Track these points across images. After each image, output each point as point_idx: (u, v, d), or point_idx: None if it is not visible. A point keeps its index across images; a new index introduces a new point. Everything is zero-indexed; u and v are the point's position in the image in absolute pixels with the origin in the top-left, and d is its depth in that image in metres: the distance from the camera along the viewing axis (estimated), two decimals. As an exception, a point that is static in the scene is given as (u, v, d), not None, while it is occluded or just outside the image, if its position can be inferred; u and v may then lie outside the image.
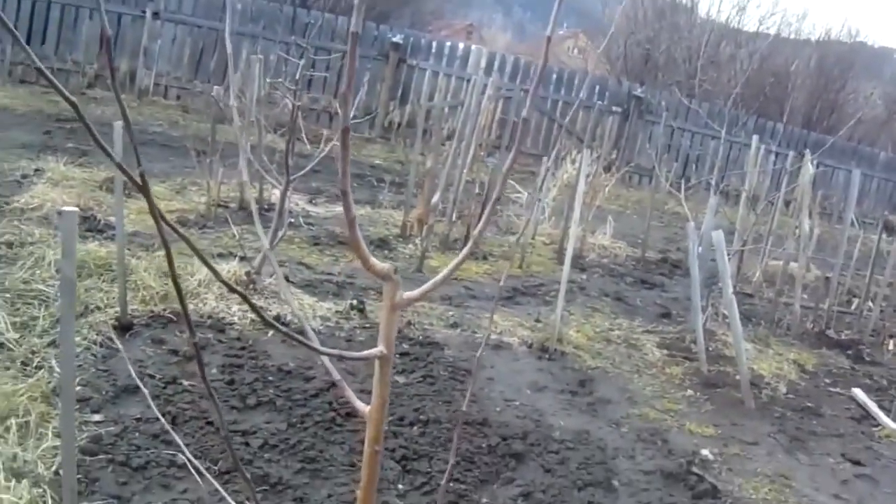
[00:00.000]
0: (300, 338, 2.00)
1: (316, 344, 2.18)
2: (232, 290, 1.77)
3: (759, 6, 38.85)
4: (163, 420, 2.95)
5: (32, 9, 20.70)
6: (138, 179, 1.49)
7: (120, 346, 5.62)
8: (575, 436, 5.95)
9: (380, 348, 2.13)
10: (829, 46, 35.02)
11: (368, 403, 2.29)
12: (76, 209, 3.34)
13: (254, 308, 1.80)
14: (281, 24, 21.07)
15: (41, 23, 20.83)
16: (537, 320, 8.31)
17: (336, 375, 2.40)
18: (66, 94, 1.44)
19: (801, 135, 25.04)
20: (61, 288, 3.24)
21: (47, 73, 1.52)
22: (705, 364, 7.91)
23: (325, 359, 2.35)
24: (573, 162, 13.90)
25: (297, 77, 7.65)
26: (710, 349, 8.36)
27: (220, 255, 8.09)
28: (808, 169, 10.64)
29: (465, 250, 2.15)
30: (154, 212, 1.51)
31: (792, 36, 34.25)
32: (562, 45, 66.66)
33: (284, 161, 7.09)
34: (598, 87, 23.49)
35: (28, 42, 20.12)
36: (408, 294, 2.14)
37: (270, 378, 5.77)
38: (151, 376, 5.45)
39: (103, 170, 10.68)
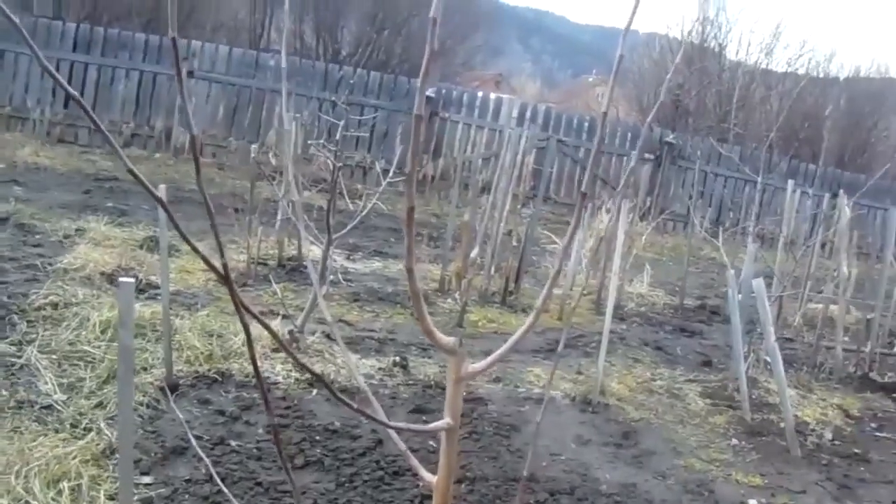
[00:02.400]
0: (368, 412, 2.03)
1: (381, 415, 2.21)
2: (311, 373, 1.80)
3: (786, 47, 38.79)
4: (219, 481, 2.96)
5: (70, 69, 21.02)
6: (221, 269, 1.53)
7: (174, 408, 5.66)
8: (622, 489, 5.93)
9: (446, 420, 2.15)
10: (858, 84, 34.99)
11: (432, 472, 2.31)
12: (132, 280, 3.38)
13: (328, 387, 1.83)
14: (315, 81, 21.26)
15: (79, 83, 21.10)
16: (579, 372, 8.30)
17: (402, 447, 2.41)
18: (130, 165, 1.48)
19: (835, 175, 24.99)
20: (120, 356, 3.27)
21: (113, 141, 1.57)
22: (749, 412, 7.86)
23: (392, 431, 2.37)
24: (608, 211, 13.91)
25: (338, 137, 7.72)
26: (754, 397, 8.30)
27: (262, 313, 8.09)
28: (846, 212, 10.60)
29: (530, 319, 2.18)
30: (236, 300, 1.55)
31: (821, 75, 34.18)
32: (591, 92, 66.82)
33: (326, 220, 7.15)
34: (629, 135, 23.53)
35: (66, 103, 20.53)
36: (473, 366, 2.17)
37: (317, 437, 5.79)
38: (199, 437, 5.48)
39: (142, 229, 10.80)
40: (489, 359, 2.24)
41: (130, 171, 1.49)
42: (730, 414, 7.93)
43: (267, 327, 1.76)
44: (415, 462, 2.29)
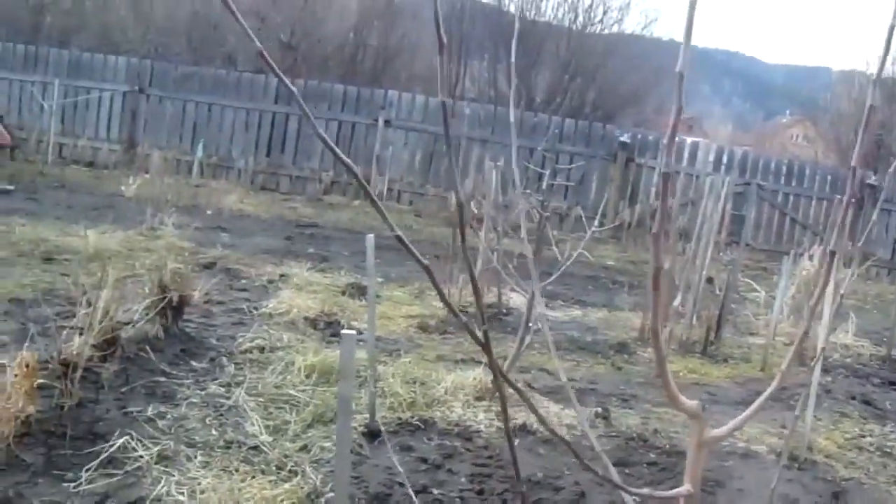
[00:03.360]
0: (616, 481, 1.97)
1: (616, 477, 2.15)
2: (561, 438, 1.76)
3: None
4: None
5: (273, 120, 21.78)
6: (481, 337, 1.50)
7: (385, 452, 5.69)
8: (834, 552, 5.69)
9: (686, 487, 2.08)
10: None
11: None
12: (354, 332, 3.41)
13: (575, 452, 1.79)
14: (510, 129, 21.38)
15: (280, 134, 21.85)
16: (783, 426, 8.02)
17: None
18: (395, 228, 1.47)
19: None
20: (339, 408, 3.30)
21: (375, 198, 1.56)
22: (969, 474, 7.46)
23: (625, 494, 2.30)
24: (811, 258, 13.51)
25: (544, 186, 7.71)
26: (974, 459, 7.88)
27: (462, 361, 8.15)
28: None
29: (771, 387, 2.09)
30: (495, 367, 1.52)
31: None
32: (785, 134, 65.52)
33: (531, 268, 7.12)
34: (829, 178, 22.90)
35: (269, 152, 21.28)
36: (716, 431, 2.10)
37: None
38: (401, 484, 5.48)
39: (344, 275, 11.01)
40: (732, 423, 2.16)
41: (398, 238, 1.48)
42: (948, 475, 7.53)
43: (531, 407, 1.72)
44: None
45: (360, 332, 8.17)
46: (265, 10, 28.27)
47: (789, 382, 9.68)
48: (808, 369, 7.20)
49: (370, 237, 5.84)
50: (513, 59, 2.96)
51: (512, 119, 2.57)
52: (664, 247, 9.52)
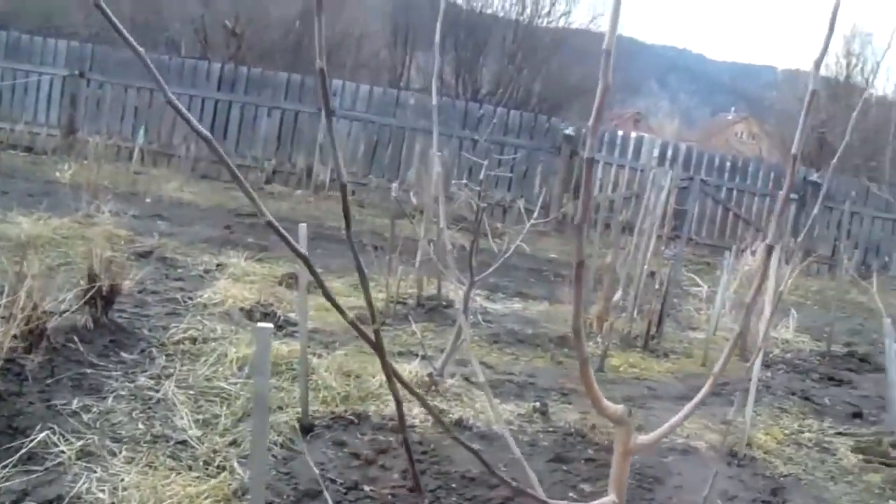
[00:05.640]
0: (538, 495, 1.86)
1: (539, 491, 2.04)
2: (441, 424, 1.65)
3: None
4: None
5: (215, 108, 21.58)
6: (372, 337, 1.39)
7: (306, 452, 5.56)
8: (772, 550, 5.64)
9: (611, 497, 1.97)
10: None
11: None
12: (270, 326, 3.28)
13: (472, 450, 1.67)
14: (455, 119, 21.32)
15: (223, 121, 21.64)
16: (724, 422, 7.98)
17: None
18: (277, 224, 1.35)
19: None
20: (254, 402, 3.17)
21: (238, 174, 1.44)
22: (906, 470, 7.45)
23: None
24: (753, 253, 13.55)
25: (481, 177, 7.61)
26: (911, 453, 7.88)
27: (400, 354, 8.05)
28: None
29: (704, 389, 1.98)
30: (387, 369, 1.41)
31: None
32: (730, 130, 66.07)
33: (469, 261, 7.02)
34: (772, 174, 23.06)
35: (211, 140, 21.09)
36: (642, 438, 1.99)
37: (453, 485, 5.62)
38: (333, 480, 5.36)
39: (282, 265, 10.87)
40: (660, 431, 2.05)
41: (269, 224, 1.36)
42: (886, 472, 7.49)
43: (420, 398, 1.61)
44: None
45: (294, 324, 8.06)
46: (211, -5, 28.02)
47: (730, 377, 9.68)
48: (748, 365, 7.14)
49: (302, 226, 5.70)
50: (437, 40, 2.84)
51: (434, 102, 2.44)
52: (601, 240, 9.42)
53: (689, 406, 1.96)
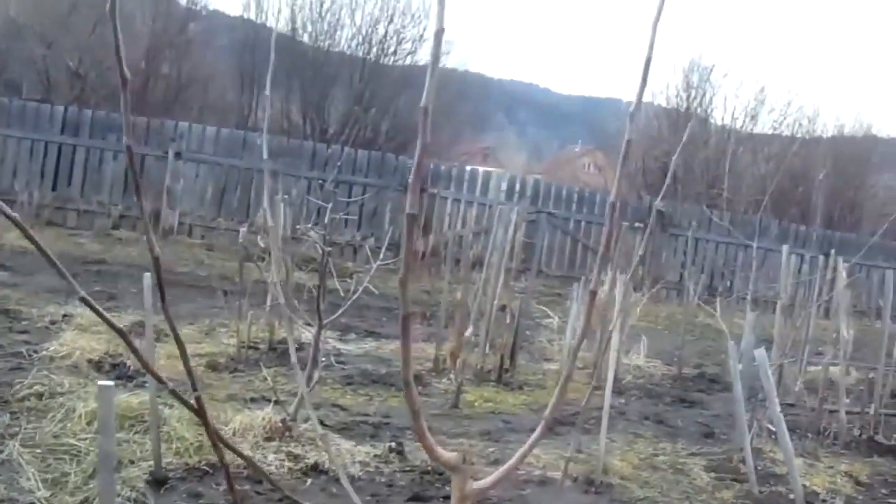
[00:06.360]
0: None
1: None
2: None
3: (771, 111, 38.42)
4: None
5: (59, 152, 21.13)
6: (194, 404, 1.38)
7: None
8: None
9: (451, 543, 1.97)
10: (843, 143, 35.20)
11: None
12: (112, 384, 3.21)
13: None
14: (303, 160, 21.28)
15: (67, 165, 21.22)
16: (579, 451, 8.08)
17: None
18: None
19: (826, 235, 24.98)
20: (100, 463, 3.10)
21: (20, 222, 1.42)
22: (756, 485, 7.65)
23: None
24: (602, 283, 13.78)
25: (326, 220, 7.60)
26: (759, 468, 8.07)
27: (253, 400, 7.95)
28: (843, 275, 10.49)
29: (537, 432, 2.01)
30: (211, 434, 1.40)
31: (806, 136, 34.25)
32: (577, 162, 67.21)
33: (316, 305, 7.00)
34: (618, 204, 23.51)
35: (55, 185, 20.62)
36: (478, 484, 2.00)
37: (311, 531, 5.58)
38: (189, 533, 5.28)
39: (131, 313, 10.65)
40: (496, 475, 2.07)
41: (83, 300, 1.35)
42: (737, 488, 7.70)
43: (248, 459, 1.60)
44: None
45: (144, 375, 7.89)
46: (53, 35, 27.36)
47: (583, 407, 9.80)
48: (598, 393, 7.26)
49: (147, 276, 5.61)
50: (269, 75, 2.84)
51: (264, 140, 2.44)
52: (452, 276, 9.48)
53: (522, 450, 2.00)
